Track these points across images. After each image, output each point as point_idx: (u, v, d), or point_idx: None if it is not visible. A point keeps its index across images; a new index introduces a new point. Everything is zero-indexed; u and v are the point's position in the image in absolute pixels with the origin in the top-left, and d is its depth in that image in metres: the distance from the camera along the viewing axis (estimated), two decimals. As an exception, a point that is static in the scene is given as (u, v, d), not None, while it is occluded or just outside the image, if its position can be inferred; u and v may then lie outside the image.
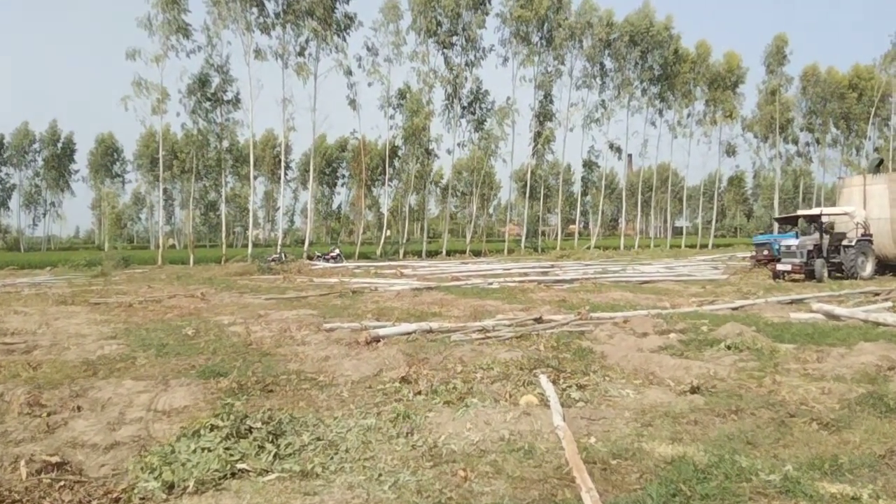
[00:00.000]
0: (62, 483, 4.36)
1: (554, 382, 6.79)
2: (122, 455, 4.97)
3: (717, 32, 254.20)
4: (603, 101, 51.41)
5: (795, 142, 62.55)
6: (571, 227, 77.13)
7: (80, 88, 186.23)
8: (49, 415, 5.97)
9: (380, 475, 4.49)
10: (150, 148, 68.24)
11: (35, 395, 6.41)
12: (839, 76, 60.20)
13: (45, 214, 75.71)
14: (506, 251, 47.99)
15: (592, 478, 4.31)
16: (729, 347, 8.80)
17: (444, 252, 46.01)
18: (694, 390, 6.55)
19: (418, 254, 44.32)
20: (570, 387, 6.76)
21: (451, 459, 4.80)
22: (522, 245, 51.09)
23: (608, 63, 51.20)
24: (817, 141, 63.10)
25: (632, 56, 50.65)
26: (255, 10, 37.66)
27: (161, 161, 40.72)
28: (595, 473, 4.46)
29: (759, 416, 5.80)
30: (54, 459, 4.64)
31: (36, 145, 72.49)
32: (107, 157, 78.32)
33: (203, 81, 37.76)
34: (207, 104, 38.34)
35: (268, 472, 4.55)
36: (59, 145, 73.28)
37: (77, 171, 76.01)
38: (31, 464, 4.53)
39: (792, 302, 14.83)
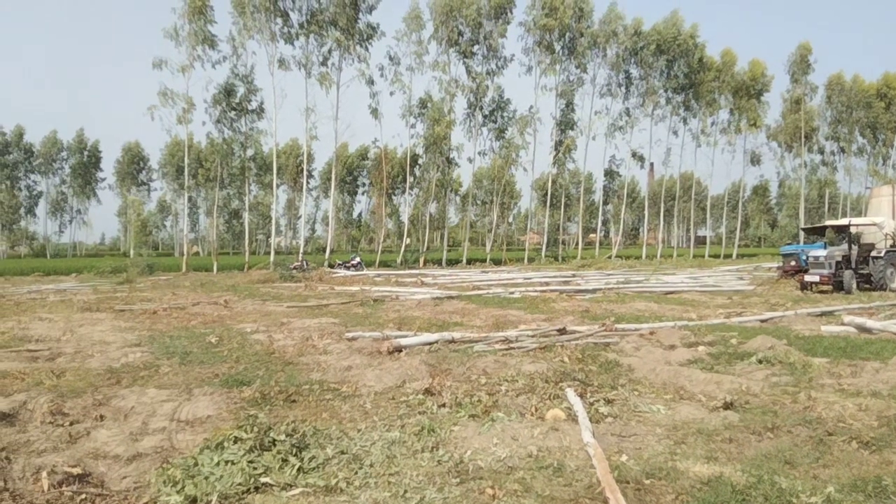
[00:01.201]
0: (83, 496, 4.30)
1: (581, 396, 6.64)
2: (145, 467, 4.91)
3: (741, 40, 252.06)
4: (627, 109, 51.18)
5: (821, 151, 61.66)
6: (592, 236, 76.66)
7: (105, 97, 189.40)
8: (72, 424, 5.94)
9: (405, 492, 4.38)
10: (176, 157, 69.13)
11: (58, 404, 6.39)
12: (865, 84, 59.24)
13: (71, 221, 76.86)
14: (526, 260, 47.80)
15: (626, 498, 4.16)
16: (760, 361, 8.58)
17: (464, 261, 45.93)
18: (727, 406, 6.36)
19: (438, 262, 44.28)
20: (597, 401, 6.61)
21: (477, 476, 4.68)
22: (543, 254, 50.85)
23: (633, 71, 50.94)
24: (843, 150, 62.10)
25: (658, 64, 50.27)
26: (279, 20, 38.10)
27: (186, 169, 41.16)
28: (628, 494, 4.31)
29: (796, 433, 5.61)
30: (76, 471, 4.58)
31: (63, 153, 73.68)
32: (133, 166, 79.40)
33: (228, 91, 38.21)
34: (232, 114, 38.78)
35: (292, 486, 4.46)
36: (86, 153, 74.44)
37: (104, 179, 77.27)
38: (53, 475, 4.48)
39: (822, 314, 14.51)
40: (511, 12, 44.83)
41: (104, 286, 25.15)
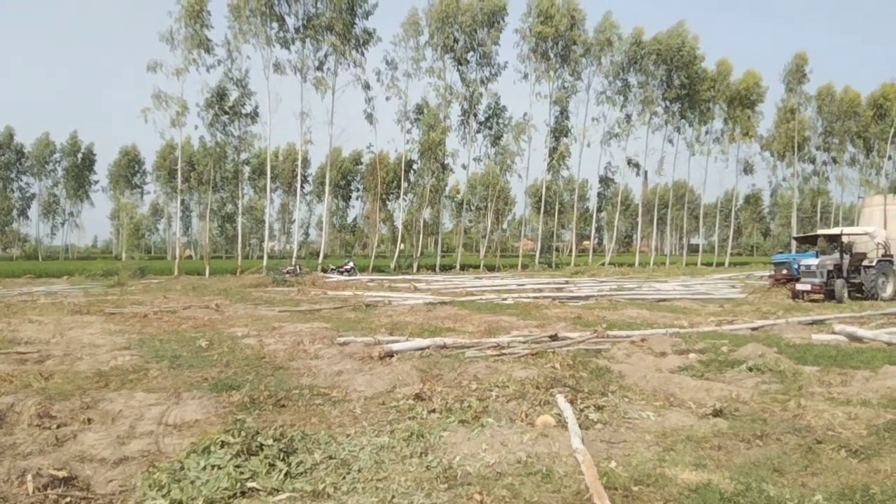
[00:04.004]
0: (68, 499, 4.27)
1: (571, 402, 6.62)
2: (131, 470, 4.88)
3: (737, 48, 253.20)
4: (627, 116, 51.26)
5: (812, 161, 61.97)
6: (585, 243, 76.83)
7: (98, 99, 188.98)
8: (59, 427, 5.89)
9: (393, 497, 4.36)
10: (168, 159, 68.96)
11: (46, 407, 6.35)
12: (852, 94, 59.59)
13: (63, 224, 76.50)
14: (520, 266, 47.81)
15: (613, 505, 4.15)
16: (751, 369, 8.59)
17: (457, 266, 45.91)
18: (716, 413, 6.37)
19: (432, 268, 44.24)
20: (587, 407, 6.59)
21: (466, 482, 4.66)
22: (536, 260, 50.89)
23: (632, 79, 51.07)
24: (834, 160, 62.41)
25: (658, 73, 50.40)
26: (275, 24, 38.07)
27: (179, 173, 41.03)
28: (616, 500, 4.30)
29: (785, 441, 5.61)
30: (62, 474, 4.55)
31: (56, 155, 73.36)
32: (128, 169, 79.12)
33: (221, 95, 38.09)
34: (225, 117, 38.66)
35: (278, 491, 4.43)
36: (80, 156, 74.13)
37: (97, 182, 76.96)
38: (38, 478, 4.44)
39: (813, 323, 14.55)
40: (503, 20, 44.99)
41: (95, 289, 25.03)
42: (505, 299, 20.16)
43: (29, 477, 4.45)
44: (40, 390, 7.33)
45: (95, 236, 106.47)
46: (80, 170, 74.20)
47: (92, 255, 75.70)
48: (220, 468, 4.55)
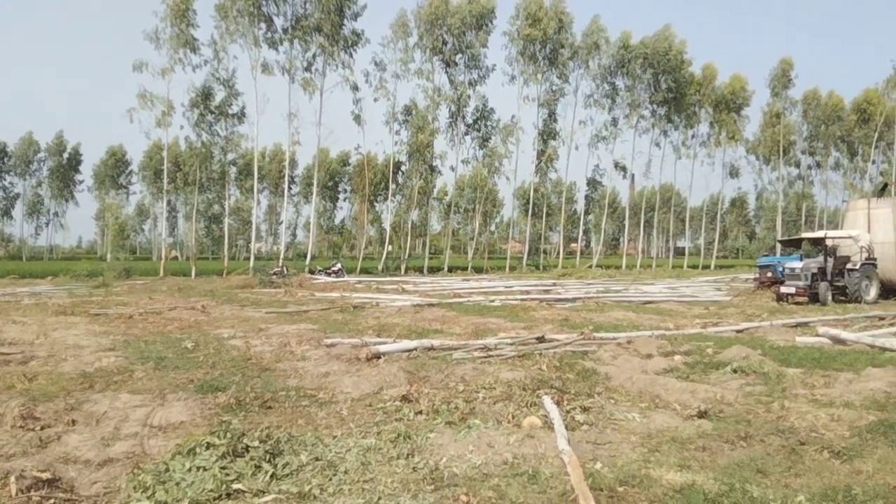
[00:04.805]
0: (52, 501, 4.24)
1: (557, 404, 6.65)
2: (116, 472, 4.85)
3: (724, 50, 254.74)
4: (614, 119, 51.48)
5: (797, 164, 62.56)
6: (573, 245, 77.04)
7: (83, 99, 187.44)
8: (42, 428, 5.84)
9: (379, 499, 4.36)
10: (154, 160, 68.49)
11: (29, 408, 6.29)
12: (837, 98, 60.24)
13: (48, 224, 75.75)
14: (507, 268, 47.89)
15: (599, 505, 4.17)
16: (735, 371, 8.66)
17: (445, 268, 45.91)
18: (701, 415, 6.42)
19: (420, 269, 44.22)
20: (574, 409, 6.63)
21: (452, 483, 4.67)
22: (524, 263, 50.99)
23: (619, 83, 51.31)
24: (818, 164, 63.06)
25: (644, 77, 50.66)
26: (263, 25, 37.89)
27: (165, 173, 40.77)
28: (602, 501, 4.33)
29: (768, 442, 5.67)
30: (45, 476, 4.51)
31: (41, 155, 72.61)
32: (115, 169, 78.46)
33: (207, 94, 37.84)
34: (211, 117, 38.42)
35: (264, 492, 4.42)
36: (66, 156, 73.43)
37: (82, 182, 76.26)
38: (22, 480, 4.40)
39: (797, 325, 14.69)
40: (492, 23, 45.13)
41: (80, 290, 24.80)
42: (492, 301, 20.19)
43: (12, 479, 4.41)
44: (24, 391, 7.28)
45: (80, 237, 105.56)
46: (66, 170, 73.50)
47: (76, 256, 75.12)
48: (205, 470, 4.54)
